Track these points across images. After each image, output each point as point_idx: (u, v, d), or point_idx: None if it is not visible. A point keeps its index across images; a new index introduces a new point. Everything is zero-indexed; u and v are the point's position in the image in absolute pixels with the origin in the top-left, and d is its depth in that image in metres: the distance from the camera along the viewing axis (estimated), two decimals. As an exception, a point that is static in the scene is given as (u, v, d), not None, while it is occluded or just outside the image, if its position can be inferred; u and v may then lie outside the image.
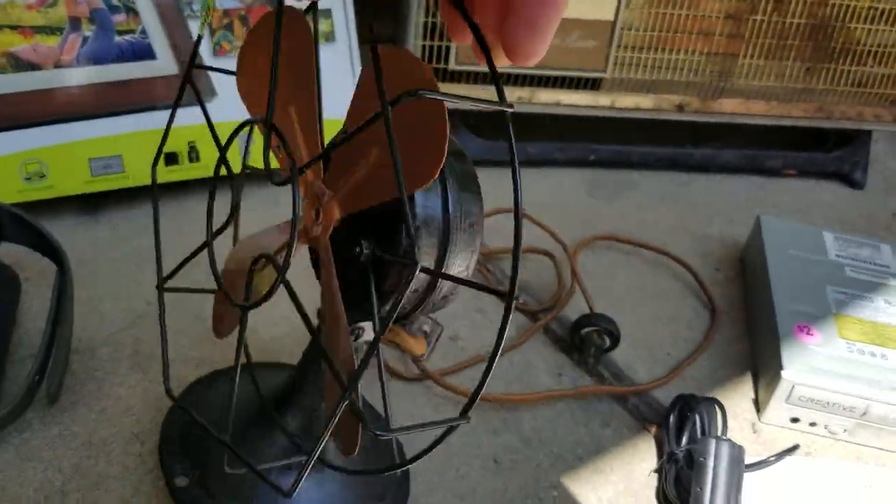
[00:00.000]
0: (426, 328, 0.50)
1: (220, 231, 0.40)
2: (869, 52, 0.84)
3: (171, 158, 0.74)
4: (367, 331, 0.45)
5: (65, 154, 0.71)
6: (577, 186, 0.89)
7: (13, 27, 0.68)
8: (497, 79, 0.29)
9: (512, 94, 0.83)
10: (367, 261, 0.39)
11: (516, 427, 0.60)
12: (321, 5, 0.78)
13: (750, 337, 0.71)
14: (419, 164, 0.32)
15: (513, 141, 0.28)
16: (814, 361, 0.62)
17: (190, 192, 0.80)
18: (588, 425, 0.61)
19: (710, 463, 0.52)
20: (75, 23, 0.70)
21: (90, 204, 0.76)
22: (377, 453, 0.54)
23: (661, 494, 0.56)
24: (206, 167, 0.76)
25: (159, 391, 0.60)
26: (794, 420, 0.63)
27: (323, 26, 0.77)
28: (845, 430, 0.62)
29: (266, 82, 0.34)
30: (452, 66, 0.80)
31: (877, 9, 0.81)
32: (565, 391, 0.63)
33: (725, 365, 0.68)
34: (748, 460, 0.54)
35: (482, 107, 0.29)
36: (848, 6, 0.81)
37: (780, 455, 0.55)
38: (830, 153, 0.94)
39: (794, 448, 0.56)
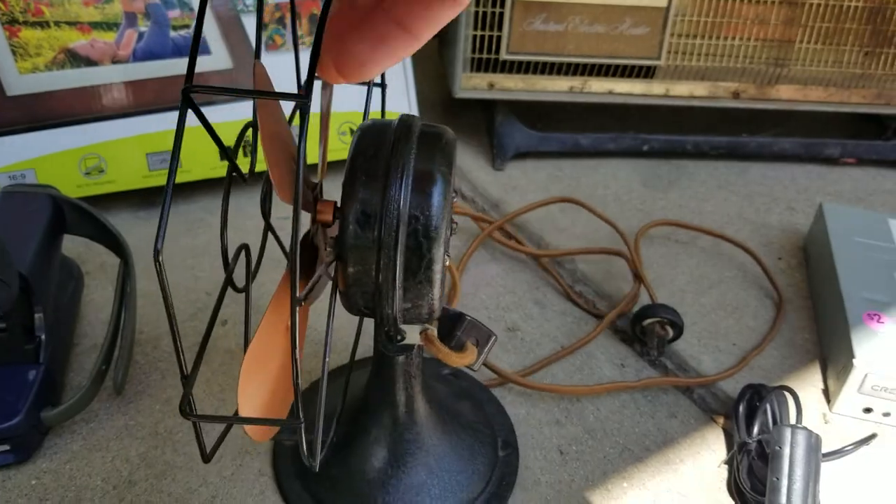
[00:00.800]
0: (474, 338, 0.49)
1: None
2: (932, 34, 0.82)
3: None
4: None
5: (123, 149, 0.71)
6: (631, 177, 0.88)
7: (71, 23, 0.69)
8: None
9: (564, 83, 0.82)
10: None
11: (580, 418, 0.59)
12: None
13: (817, 326, 0.69)
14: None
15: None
16: (886, 349, 0.60)
17: (242, 187, 0.80)
18: (654, 416, 0.60)
19: (787, 451, 0.51)
20: (131, 18, 0.70)
21: (149, 198, 0.77)
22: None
23: (734, 485, 0.55)
24: (260, 161, 0.76)
25: (223, 382, 0.60)
26: (867, 410, 0.61)
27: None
28: (921, 421, 0.60)
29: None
30: (504, 55, 0.79)
31: (940, -11, 0.79)
32: (630, 383, 0.62)
33: (792, 355, 0.66)
34: (823, 450, 0.52)
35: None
36: (911, -13, 0.79)
37: (858, 444, 0.53)
38: (891, 141, 0.91)
39: (872, 437, 0.54)
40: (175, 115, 0.72)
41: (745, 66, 0.83)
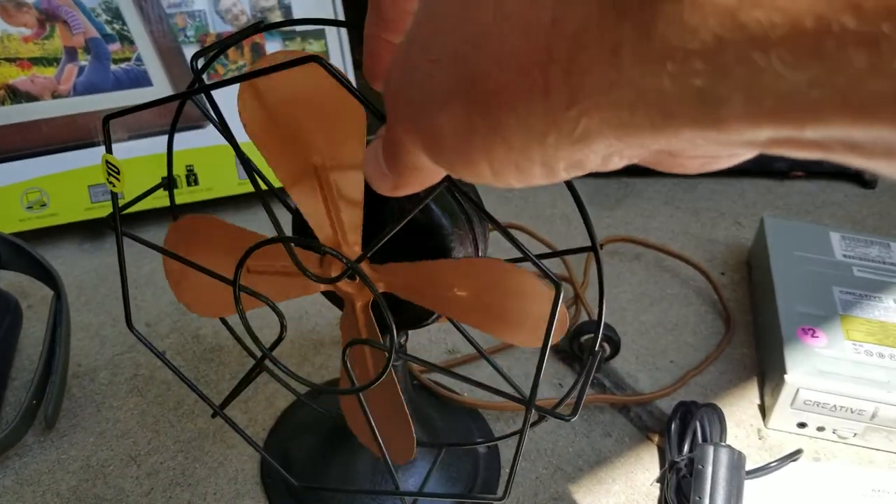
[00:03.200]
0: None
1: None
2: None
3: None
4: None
5: (65, 182, 0.72)
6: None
7: (11, 60, 0.69)
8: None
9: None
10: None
11: (513, 438, 0.60)
12: (313, 27, 0.78)
13: (756, 342, 0.70)
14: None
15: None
16: (819, 364, 0.60)
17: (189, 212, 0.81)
18: (589, 436, 0.60)
19: (709, 470, 0.51)
20: (71, 53, 0.71)
21: (93, 231, 0.77)
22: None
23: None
24: (207, 190, 0.77)
25: (157, 413, 0.60)
26: (802, 425, 0.61)
27: (316, 47, 0.78)
28: (855, 435, 0.60)
29: (293, 134, 0.35)
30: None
31: None
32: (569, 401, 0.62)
33: (731, 371, 0.67)
34: (750, 466, 0.53)
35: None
36: None
37: (783, 460, 0.53)
38: (839, 152, 0.92)
39: (797, 453, 0.54)
40: (117, 146, 0.73)
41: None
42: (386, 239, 0.36)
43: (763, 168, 0.92)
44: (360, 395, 0.42)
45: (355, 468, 0.52)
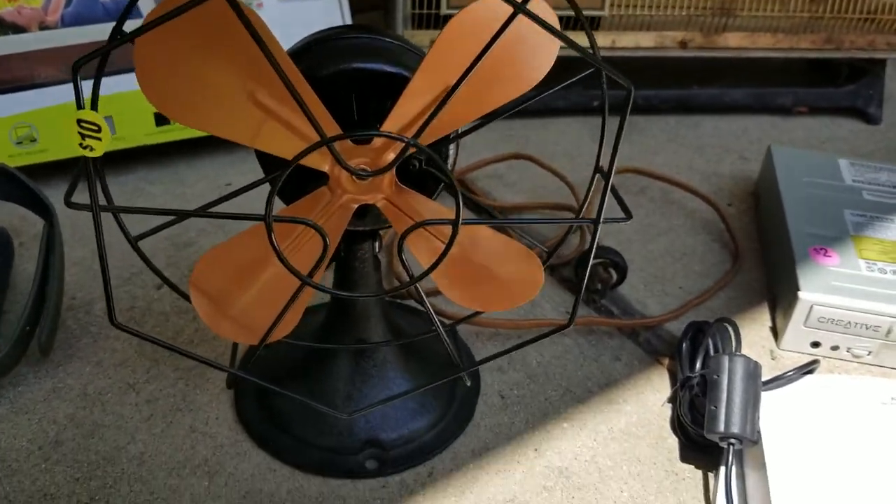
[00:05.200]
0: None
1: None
2: (877, -26, 0.81)
3: (162, 118, 0.73)
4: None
5: (55, 117, 0.70)
6: (580, 133, 0.87)
7: (-4, -10, 0.67)
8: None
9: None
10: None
11: (522, 364, 0.58)
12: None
13: (765, 267, 0.69)
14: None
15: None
16: (833, 281, 0.59)
17: (179, 151, 0.79)
18: (598, 360, 0.59)
19: (724, 379, 0.49)
20: (58, -17, 0.69)
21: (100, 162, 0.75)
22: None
23: (676, 421, 0.54)
24: (120, 139, 0.74)
25: (153, 345, 0.58)
26: (815, 345, 0.60)
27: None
28: (870, 353, 0.59)
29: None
30: (445, 10, 0.78)
31: (882, -73, 0.78)
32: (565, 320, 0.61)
33: (740, 295, 0.66)
34: (766, 377, 0.51)
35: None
36: (852, -75, 0.78)
37: (800, 370, 0.52)
38: (843, 87, 0.91)
39: (814, 363, 0.53)
40: (110, 80, 0.71)
41: (691, 14, 0.82)
42: (434, 116, 0.36)
43: (766, 103, 0.90)
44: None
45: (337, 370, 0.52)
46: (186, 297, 0.44)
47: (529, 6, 0.34)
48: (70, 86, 0.70)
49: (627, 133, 0.87)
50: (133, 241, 0.44)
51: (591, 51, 0.38)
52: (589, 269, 0.63)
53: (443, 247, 0.40)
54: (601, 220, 0.41)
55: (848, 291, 0.58)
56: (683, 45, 0.83)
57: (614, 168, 0.40)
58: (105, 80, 0.73)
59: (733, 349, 0.54)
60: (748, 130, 0.89)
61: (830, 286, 0.58)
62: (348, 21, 0.78)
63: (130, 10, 0.36)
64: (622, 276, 0.64)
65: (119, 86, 0.70)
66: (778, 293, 0.64)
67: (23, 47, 0.68)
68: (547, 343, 0.60)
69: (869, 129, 0.91)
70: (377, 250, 0.49)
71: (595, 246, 0.42)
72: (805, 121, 0.91)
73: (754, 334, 0.62)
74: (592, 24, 0.81)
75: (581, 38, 0.41)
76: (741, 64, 0.86)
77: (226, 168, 0.78)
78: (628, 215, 0.42)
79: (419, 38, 0.80)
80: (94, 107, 0.35)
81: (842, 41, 0.85)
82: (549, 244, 0.68)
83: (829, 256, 0.61)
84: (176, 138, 0.75)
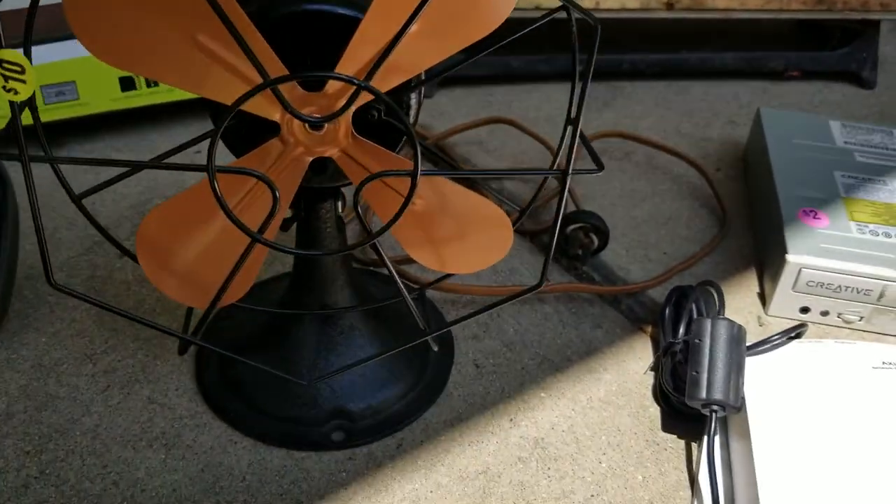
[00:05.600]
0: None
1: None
2: (871, -71, 0.78)
3: (128, 83, 0.70)
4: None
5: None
6: (565, 99, 0.83)
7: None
8: None
9: (488, 0, 0.78)
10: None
11: (499, 332, 0.56)
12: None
13: (753, 232, 0.66)
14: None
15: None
16: (822, 244, 0.56)
17: (151, 120, 0.76)
18: (578, 328, 0.57)
19: (707, 342, 0.47)
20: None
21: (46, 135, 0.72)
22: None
23: (658, 389, 0.51)
24: (168, 92, 0.72)
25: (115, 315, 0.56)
26: (804, 310, 0.57)
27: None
28: (861, 318, 0.57)
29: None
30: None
31: None
32: (549, 286, 0.58)
33: (728, 261, 0.63)
34: (751, 342, 0.49)
35: None
36: None
37: (786, 333, 0.49)
38: (836, 51, 0.88)
39: (802, 327, 0.51)
40: (72, 43, 0.68)
41: (679, -25, 0.79)
42: (387, 55, 0.34)
43: (757, 68, 0.88)
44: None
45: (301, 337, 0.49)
46: (131, 256, 0.42)
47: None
48: (36, 50, 0.68)
49: (612, 98, 0.85)
50: (76, 198, 0.41)
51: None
52: (568, 231, 0.61)
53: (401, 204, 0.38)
54: (570, 171, 0.39)
55: (838, 254, 0.55)
56: (670, 6, 0.80)
57: (582, 113, 0.38)
58: (67, 43, 0.70)
59: (717, 313, 0.52)
60: (738, 95, 0.86)
61: (820, 248, 0.56)
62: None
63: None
64: (604, 242, 0.61)
65: (82, 49, 0.67)
66: (766, 258, 0.62)
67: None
68: (525, 310, 0.58)
69: (863, 92, 0.88)
70: (340, 210, 0.47)
71: (565, 199, 0.40)
72: (797, 85, 0.89)
73: (741, 300, 0.59)
74: (575, -16, 0.78)
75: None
76: (731, 27, 0.84)
77: (197, 134, 0.75)
78: (599, 166, 0.40)
79: None
80: (26, 51, 0.32)
81: (834, 2, 0.82)
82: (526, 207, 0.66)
83: (818, 219, 0.59)
84: (144, 104, 0.72)
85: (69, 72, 0.68)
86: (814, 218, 0.59)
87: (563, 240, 0.61)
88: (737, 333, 0.48)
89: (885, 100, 0.87)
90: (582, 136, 0.39)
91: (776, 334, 0.49)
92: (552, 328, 0.57)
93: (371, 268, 0.60)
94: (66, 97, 0.69)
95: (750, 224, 0.67)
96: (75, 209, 0.41)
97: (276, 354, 0.50)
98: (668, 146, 0.74)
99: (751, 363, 0.48)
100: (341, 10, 0.38)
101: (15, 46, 0.33)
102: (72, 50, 0.68)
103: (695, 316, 0.52)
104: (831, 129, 0.70)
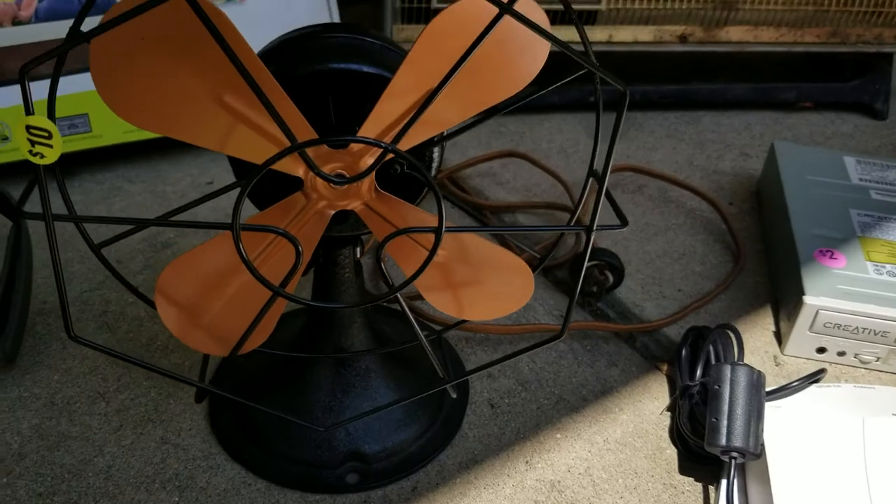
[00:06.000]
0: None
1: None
2: (884, -36, 0.78)
3: (142, 115, 0.70)
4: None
5: (28, 114, 0.67)
6: (576, 130, 0.84)
7: (-34, -18, 0.65)
8: None
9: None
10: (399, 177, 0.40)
11: (514, 371, 0.56)
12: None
13: (768, 269, 0.66)
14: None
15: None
16: (839, 285, 0.56)
17: (161, 150, 0.76)
18: (593, 366, 0.56)
19: (727, 390, 0.47)
20: (32, -25, 0.66)
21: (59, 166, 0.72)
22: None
23: (675, 431, 0.51)
24: (96, 137, 0.72)
25: (129, 349, 0.56)
26: (821, 350, 0.57)
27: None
28: (878, 359, 0.56)
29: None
30: (436, 3, 0.75)
31: (890, -86, 0.75)
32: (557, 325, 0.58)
33: (743, 298, 0.63)
34: (769, 388, 0.49)
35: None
36: (858, -87, 0.75)
37: (805, 379, 0.49)
38: (848, 82, 0.88)
39: (821, 372, 0.50)
40: (83, 77, 0.68)
41: (692, 7, 0.79)
42: (414, 121, 0.34)
43: (769, 99, 0.88)
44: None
45: (317, 379, 0.49)
46: (150, 303, 0.41)
47: (517, 5, 0.31)
48: (43, 82, 0.68)
49: (625, 129, 0.85)
50: (96, 249, 0.41)
51: (584, 50, 0.36)
52: (584, 273, 0.61)
53: (424, 252, 0.38)
54: (594, 227, 0.38)
55: (855, 295, 0.55)
56: (683, 39, 0.80)
57: (609, 171, 0.38)
58: (78, 77, 0.70)
59: (735, 357, 0.51)
60: (750, 126, 0.86)
61: (837, 290, 0.56)
62: (335, 14, 0.75)
63: (89, 9, 0.33)
64: (619, 279, 0.61)
65: (89, 83, 0.68)
66: (782, 296, 0.61)
67: (-5, 41, 0.66)
68: (540, 349, 0.57)
69: (875, 124, 0.88)
70: (358, 255, 0.46)
71: (588, 253, 0.39)
72: (809, 116, 0.88)
73: (757, 339, 0.59)
74: (589, 19, 0.78)
75: (575, 35, 0.38)
76: (743, 58, 0.84)
77: (208, 165, 0.75)
78: (623, 222, 0.39)
79: (409, 32, 0.77)
80: (50, 113, 0.32)
81: (848, 35, 0.82)
82: (541, 247, 0.66)
83: (835, 259, 0.58)
84: (156, 135, 0.72)
85: (82, 104, 0.68)
86: (830, 258, 0.59)
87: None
88: (756, 380, 0.47)
89: (896, 131, 0.87)
90: (608, 193, 0.39)
91: (795, 381, 0.49)
92: (567, 366, 0.56)
93: (383, 304, 0.60)
94: (78, 129, 0.69)
95: (764, 260, 0.67)
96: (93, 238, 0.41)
97: (292, 395, 0.49)
98: (680, 180, 0.73)
99: (769, 408, 0.48)
100: (367, 69, 0.38)
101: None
102: (84, 83, 0.68)
103: (713, 359, 0.51)
104: (846, 165, 0.69)
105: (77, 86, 0.68)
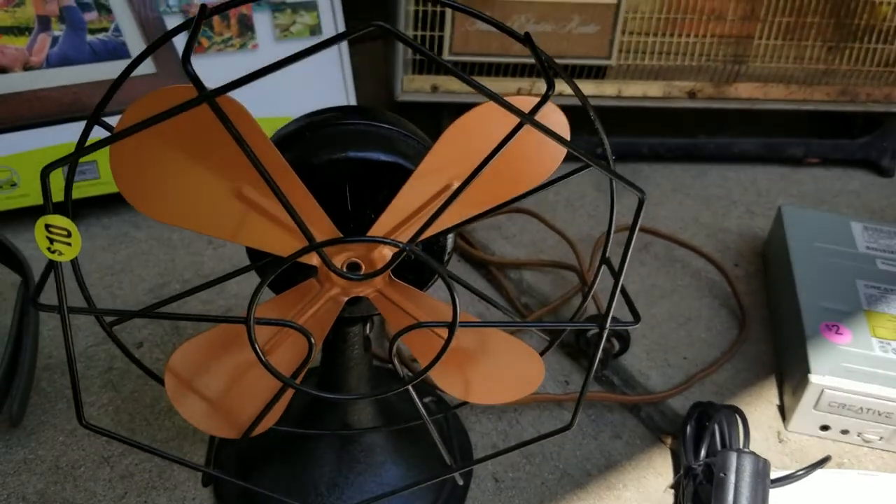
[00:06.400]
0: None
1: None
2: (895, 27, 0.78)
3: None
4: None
5: (37, 160, 0.67)
6: (583, 182, 0.84)
7: (-21, 28, 0.65)
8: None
9: (512, 85, 0.78)
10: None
11: (518, 439, 0.55)
12: (306, -4, 0.74)
13: (774, 338, 0.66)
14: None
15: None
16: (845, 363, 0.56)
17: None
18: (598, 438, 0.56)
19: (732, 478, 0.47)
20: (44, 22, 0.66)
21: (66, 213, 0.72)
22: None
23: (679, 513, 0.51)
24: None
25: (133, 410, 0.56)
26: (824, 428, 0.57)
27: (308, 19, 0.73)
28: (881, 438, 0.56)
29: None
30: (447, 56, 0.75)
31: (902, -20, 0.75)
32: (568, 394, 0.58)
33: (747, 368, 0.63)
34: (774, 474, 0.49)
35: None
36: (871, -22, 0.75)
37: (810, 468, 0.49)
38: (856, 139, 0.88)
39: (826, 460, 0.50)
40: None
41: (702, 63, 0.79)
42: (432, 222, 0.34)
43: (776, 154, 0.88)
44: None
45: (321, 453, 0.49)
46: (159, 380, 0.41)
47: (541, 113, 0.31)
48: (55, 129, 0.68)
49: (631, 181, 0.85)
50: (109, 329, 0.41)
51: (603, 152, 0.36)
52: (589, 335, 0.61)
53: (435, 338, 0.38)
54: (608, 325, 0.39)
55: (861, 375, 0.55)
56: (692, 95, 0.80)
57: (626, 266, 0.38)
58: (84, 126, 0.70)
59: (741, 444, 0.51)
60: (756, 181, 0.86)
61: (842, 369, 0.56)
62: (347, 64, 0.75)
63: (108, 101, 0.33)
64: (625, 346, 0.61)
65: (102, 130, 0.68)
66: (786, 370, 0.61)
67: (6, 88, 0.65)
68: (544, 417, 0.57)
69: (881, 181, 0.88)
70: (368, 331, 0.46)
71: (600, 350, 0.39)
72: (815, 172, 0.89)
73: (761, 413, 0.59)
74: (599, 73, 0.78)
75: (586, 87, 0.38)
76: (751, 112, 0.84)
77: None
78: (637, 319, 0.40)
79: (419, 83, 0.77)
80: (66, 211, 0.33)
81: (857, 93, 0.82)
82: (547, 309, 0.66)
83: (841, 334, 0.59)
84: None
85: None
86: (836, 333, 0.59)
87: (584, 342, 0.61)
88: (762, 468, 0.47)
89: (903, 189, 0.87)
90: (623, 290, 0.39)
91: (800, 469, 0.49)
92: (572, 437, 0.56)
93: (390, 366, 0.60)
94: (86, 176, 0.69)
95: (769, 327, 0.67)
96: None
97: (296, 467, 0.49)
98: (686, 241, 0.74)
99: (774, 494, 0.48)
100: (384, 158, 0.38)
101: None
102: (94, 131, 0.68)
103: (718, 440, 0.51)
104: (853, 232, 0.70)
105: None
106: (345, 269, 0.37)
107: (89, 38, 0.67)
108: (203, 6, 0.31)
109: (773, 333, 0.66)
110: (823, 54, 0.81)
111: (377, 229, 0.36)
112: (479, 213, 0.38)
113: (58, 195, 0.32)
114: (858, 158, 0.88)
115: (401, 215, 0.37)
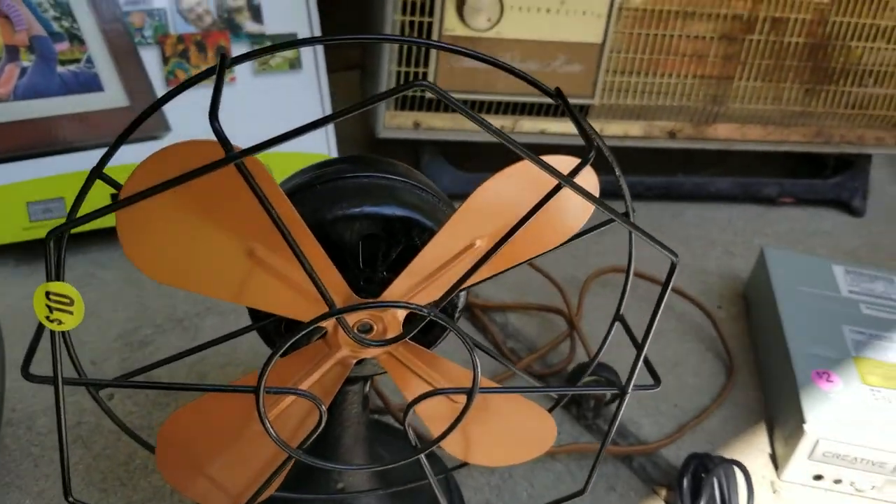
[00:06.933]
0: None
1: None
2: (870, 71, 0.79)
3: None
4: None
5: (4, 197, 0.63)
6: (564, 220, 0.83)
7: (-60, 58, 0.61)
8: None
9: (495, 122, 0.77)
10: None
11: (511, 496, 0.54)
12: (285, 29, 0.72)
13: (761, 383, 0.65)
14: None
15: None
16: (838, 412, 0.56)
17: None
18: (592, 491, 0.55)
19: (738, 539, 0.46)
20: (12, 52, 0.63)
21: (30, 251, 0.68)
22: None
23: (679, 572, 0.50)
24: None
25: (105, 468, 0.52)
26: (818, 477, 0.57)
27: (288, 53, 0.71)
28: (873, 487, 0.56)
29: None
30: (430, 95, 0.74)
31: (878, 26, 0.76)
32: (561, 447, 0.57)
33: (737, 416, 0.62)
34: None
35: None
36: (848, 23, 0.76)
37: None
38: (829, 179, 0.89)
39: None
40: (63, 159, 0.65)
41: (682, 104, 0.80)
42: (465, 280, 0.32)
43: (751, 193, 0.88)
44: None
45: None
46: (150, 449, 0.39)
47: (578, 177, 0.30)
48: (22, 165, 0.64)
49: (610, 222, 0.84)
50: (95, 393, 0.38)
51: (632, 223, 0.35)
52: (581, 384, 0.60)
53: (444, 399, 0.36)
54: (629, 389, 0.38)
55: (853, 424, 0.55)
56: (672, 135, 0.80)
57: (650, 337, 0.37)
58: (56, 159, 0.67)
59: (744, 499, 0.50)
60: (733, 220, 0.87)
61: (836, 418, 0.55)
62: (326, 98, 0.73)
63: (113, 153, 0.31)
64: (616, 395, 0.60)
65: (71, 165, 0.65)
66: (778, 418, 0.61)
67: (-31, 121, 0.62)
68: (537, 469, 0.56)
69: (853, 221, 0.89)
70: (367, 389, 0.44)
71: (617, 421, 0.38)
72: (789, 211, 0.89)
73: (753, 461, 0.58)
74: (581, 112, 0.78)
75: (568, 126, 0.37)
76: (728, 152, 0.84)
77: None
78: (657, 382, 0.39)
79: (401, 119, 0.76)
80: (58, 277, 0.30)
81: (831, 135, 0.83)
82: (535, 356, 0.65)
83: (831, 381, 0.58)
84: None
85: (57, 188, 0.65)
86: (827, 381, 0.58)
87: (579, 393, 0.60)
88: (768, 528, 0.46)
89: (874, 229, 0.88)
90: (646, 360, 0.38)
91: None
92: (565, 490, 0.55)
93: (376, 416, 0.58)
94: (52, 214, 0.65)
95: (756, 371, 0.66)
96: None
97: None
98: (681, 290, 0.73)
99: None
100: (400, 213, 0.36)
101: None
102: (60, 165, 0.65)
103: (717, 498, 0.50)
104: (835, 276, 0.70)
105: (52, 169, 0.65)
106: (357, 331, 0.35)
107: (60, 69, 0.64)
108: (223, 56, 0.29)
109: (761, 378, 0.66)
110: (801, 96, 0.82)
111: (394, 291, 0.35)
112: (498, 271, 0.36)
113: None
114: (830, 198, 0.89)
115: (418, 275, 0.35)
